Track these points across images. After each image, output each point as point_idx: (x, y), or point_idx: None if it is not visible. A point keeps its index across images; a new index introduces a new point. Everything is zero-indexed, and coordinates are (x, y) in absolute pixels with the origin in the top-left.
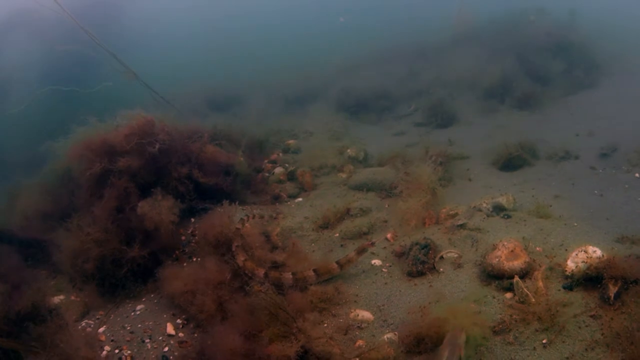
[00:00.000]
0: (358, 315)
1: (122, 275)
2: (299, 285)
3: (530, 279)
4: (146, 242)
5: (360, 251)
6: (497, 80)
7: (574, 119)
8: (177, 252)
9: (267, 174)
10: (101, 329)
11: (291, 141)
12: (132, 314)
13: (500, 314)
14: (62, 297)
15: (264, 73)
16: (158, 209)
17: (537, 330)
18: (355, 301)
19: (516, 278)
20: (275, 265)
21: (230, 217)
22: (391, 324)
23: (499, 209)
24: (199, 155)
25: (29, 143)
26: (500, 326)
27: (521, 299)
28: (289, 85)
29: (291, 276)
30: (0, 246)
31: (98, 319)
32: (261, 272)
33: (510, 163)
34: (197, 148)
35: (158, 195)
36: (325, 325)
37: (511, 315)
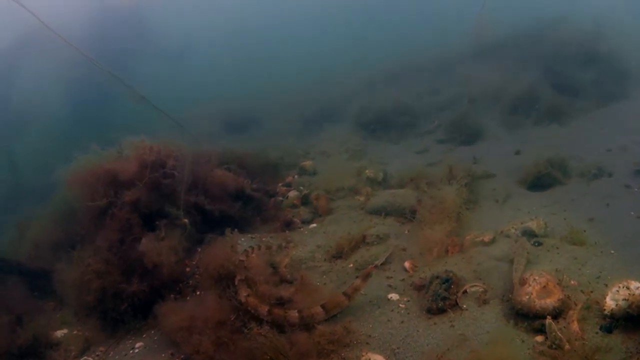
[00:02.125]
0: (370, 359)
1: (123, 310)
2: (306, 323)
3: (564, 318)
4: (147, 276)
5: (365, 277)
6: (522, 93)
7: (604, 132)
8: (180, 285)
9: (280, 198)
10: None
11: (307, 162)
12: (131, 351)
13: None
14: (65, 331)
15: (281, 92)
16: (158, 249)
17: None
18: (367, 343)
19: (549, 319)
20: (281, 302)
21: (234, 247)
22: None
23: (529, 235)
24: (206, 180)
25: (42, 171)
26: None
27: (554, 344)
28: (307, 104)
29: (297, 314)
30: (8, 276)
31: (98, 355)
32: (264, 309)
33: (539, 182)
34: (204, 173)
35: (161, 232)
36: None
37: None
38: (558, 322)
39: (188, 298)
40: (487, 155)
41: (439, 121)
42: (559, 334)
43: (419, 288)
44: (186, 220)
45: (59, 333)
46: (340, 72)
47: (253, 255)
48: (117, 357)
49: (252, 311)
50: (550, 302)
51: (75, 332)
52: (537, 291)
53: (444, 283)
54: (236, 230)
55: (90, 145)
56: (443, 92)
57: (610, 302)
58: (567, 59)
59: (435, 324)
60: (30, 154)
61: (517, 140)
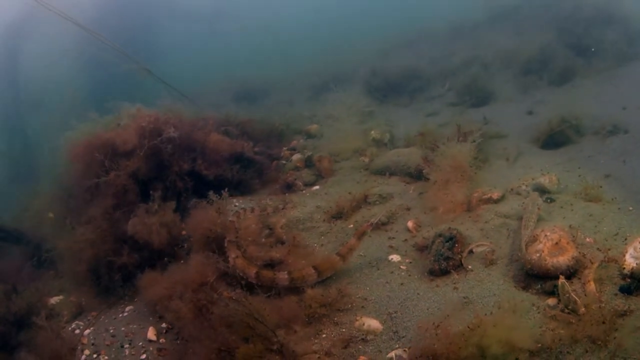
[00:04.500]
0: (364, 324)
1: (116, 279)
2: (296, 285)
3: (578, 278)
4: (138, 249)
5: (360, 236)
6: (535, 54)
7: (620, 92)
8: (175, 248)
9: (283, 162)
10: (87, 331)
11: (313, 126)
12: (120, 315)
13: (541, 328)
14: (61, 297)
15: (293, 61)
16: (148, 227)
17: (587, 351)
18: (362, 306)
19: (561, 279)
20: (272, 264)
21: (221, 210)
22: (403, 337)
23: (540, 191)
24: (203, 144)
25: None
26: (539, 345)
27: (567, 307)
28: (319, 72)
29: (287, 276)
30: (10, 246)
31: (88, 320)
32: (252, 271)
33: (553, 140)
34: (201, 137)
35: (154, 204)
36: (324, 335)
37: (554, 330)
38: (572, 282)
39: (182, 261)
40: (499, 116)
41: (450, 84)
42: (574, 296)
43: (422, 249)
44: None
45: (55, 300)
46: (354, 40)
47: (250, 215)
48: (106, 320)
49: (240, 273)
50: (563, 260)
51: (71, 299)
52: (548, 248)
53: (447, 242)
54: (225, 192)
55: (89, 114)
56: (455, 56)
57: (630, 260)
58: (582, 20)
59: (437, 286)
60: (43, 130)
61: (529, 101)
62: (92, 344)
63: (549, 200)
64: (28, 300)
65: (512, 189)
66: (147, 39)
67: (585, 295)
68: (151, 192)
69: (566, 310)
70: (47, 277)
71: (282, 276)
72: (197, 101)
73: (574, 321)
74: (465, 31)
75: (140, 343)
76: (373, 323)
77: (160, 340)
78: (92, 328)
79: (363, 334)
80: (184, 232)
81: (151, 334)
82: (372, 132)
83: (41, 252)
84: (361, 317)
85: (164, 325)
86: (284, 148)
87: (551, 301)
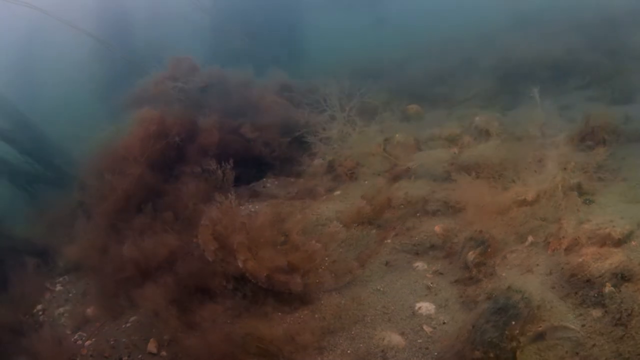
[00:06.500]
0: (384, 338)
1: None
2: (310, 291)
3: (626, 286)
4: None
5: (381, 241)
6: (564, 59)
7: None
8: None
9: (303, 168)
10: (88, 342)
11: (335, 131)
12: (123, 326)
13: (585, 343)
14: (67, 307)
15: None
16: (143, 250)
17: None
18: (383, 319)
19: (608, 287)
20: (285, 269)
21: (227, 211)
22: (427, 354)
23: (577, 192)
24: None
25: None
26: None
27: (616, 319)
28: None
29: (300, 281)
30: (20, 255)
31: (92, 330)
32: (263, 274)
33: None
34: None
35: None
36: (339, 351)
37: (600, 346)
38: (620, 290)
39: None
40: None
41: (477, 89)
42: (623, 306)
43: (451, 255)
44: None
45: (61, 309)
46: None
47: (262, 216)
48: (110, 331)
49: (250, 277)
50: (609, 265)
51: (77, 309)
52: (592, 252)
53: (478, 246)
54: (230, 194)
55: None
56: (481, 63)
57: None
58: (615, 24)
59: (467, 296)
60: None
61: (559, 106)
62: (91, 355)
63: (587, 202)
64: (33, 308)
65: (547, 189)
66: None
67: (636, 305)
68: (142, 205)
69: (615, 323)
70: (57, 286)
71: (296, 281)
72: None
73: (623, 335)
74: (490, 38)
75: (140, 356)
76: (395, 338)
77: (161, 353)
78: (94, 339)
79: (382, 350)
80: (195, 240)
81: (152, 346)
82: (397, 135)
83: (51, 261)
84: (381, 331)
85: (166, 337)
86: (305, 154)
87: (596, 313)
